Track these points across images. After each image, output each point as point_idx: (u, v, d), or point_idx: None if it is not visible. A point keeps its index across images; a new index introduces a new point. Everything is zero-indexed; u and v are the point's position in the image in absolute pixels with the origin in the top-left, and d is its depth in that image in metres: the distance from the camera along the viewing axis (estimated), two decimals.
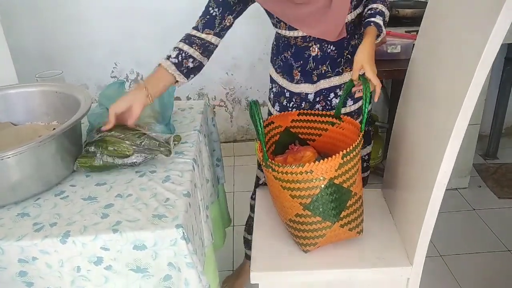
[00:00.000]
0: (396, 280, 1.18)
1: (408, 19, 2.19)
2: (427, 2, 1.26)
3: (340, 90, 1.37)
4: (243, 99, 2.73)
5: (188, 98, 2.69)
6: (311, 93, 1.38)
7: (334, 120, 1.31)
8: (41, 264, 0.91)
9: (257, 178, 1.57)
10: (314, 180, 1.07)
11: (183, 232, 0.90)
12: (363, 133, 1.15)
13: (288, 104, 1.43)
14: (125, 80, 2.63)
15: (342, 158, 1.07)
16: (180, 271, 0.94)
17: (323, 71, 1.33)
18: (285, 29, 1.31)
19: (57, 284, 0.93)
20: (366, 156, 1.52)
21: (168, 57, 1.23)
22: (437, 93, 1.09)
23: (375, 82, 1.15)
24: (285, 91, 1.41)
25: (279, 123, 1.36)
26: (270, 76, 1.48)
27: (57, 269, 0.91)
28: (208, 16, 1.27)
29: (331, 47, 1.30)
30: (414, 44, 1.33)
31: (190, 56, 1.25)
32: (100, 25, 2.50)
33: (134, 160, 1.11)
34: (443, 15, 1.15)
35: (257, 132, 1.13)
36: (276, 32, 1.37)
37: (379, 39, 1.24)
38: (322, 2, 1.21)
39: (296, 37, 1.31)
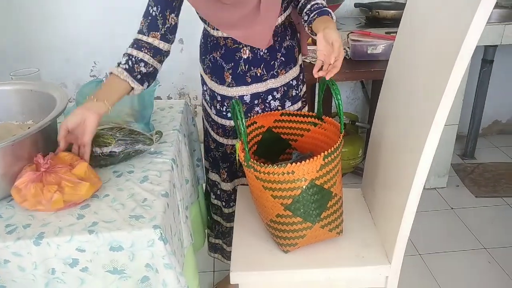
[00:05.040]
0: (375, 278, 1.19)
1: (388, 20, 2.22)
2: None
3: (277, 93, 1.36)
4: None
5: (169, 98, 2.67)
6: (246, 95, 1.34)
7: (316, 121, 1.32)
8: (13, 267, 0.88)
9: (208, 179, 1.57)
10: (295, 181, 1.07)
11: (161, 233, 0.89)
12: (343, 134, 1.16)
13: (221, 108, 1.39)
14: (103, 79, 2.59)
15: (324, 159, 1.07)
16: (158, 272, 0.92)
17: (258, 74, 1.31)
18: (213, 29, 1.27)
19: (30, 287, 0.91)
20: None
21: (118, 64, 1.16)
22: (414, 93, 1.10)
23: (337, 49, 1.06)
24: (216, 94, 1.37)
25: (261, 123, 1.36)
26: (201, 76, 1.43)
27: (30, 271, 0.89)
28: (150, 17, 1.19)
29: (264, 49, 1.28)
30: None
31: (141, 60, 1.17)
32: (78, 23, 2.46)
33: (114, 150, 1.09)
34: (420, 16, 1.16)
35: (239, 132, 1.13)
36: (204, 28, 1.32)
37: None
38: (252, 5, 1.17)
39: (226, 38, 1.27)
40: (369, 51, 1.94)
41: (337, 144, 1.11)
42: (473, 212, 2.18)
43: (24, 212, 0.95)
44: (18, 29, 2.44)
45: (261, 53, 1.28)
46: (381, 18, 2.23)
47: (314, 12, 1.17)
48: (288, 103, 1.39)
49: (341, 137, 1.14)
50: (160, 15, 1.19)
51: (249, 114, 1.37)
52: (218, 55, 1.31)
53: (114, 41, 2.51)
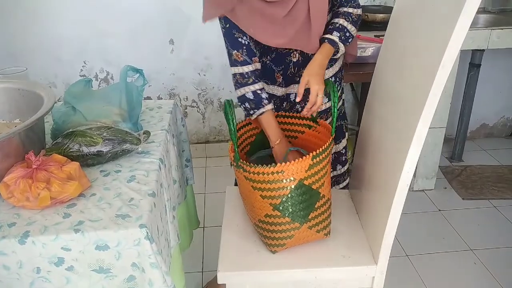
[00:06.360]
0: (361, 279, 1.20)
1: (377, 23, 2.24)
2: None
3: None
4: (215, 99, 2.72)
5: (159, 98, 2.66)
6: (293, 93, 1.41)
7: (311, 123, 1.33)
8: None
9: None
10: (284, 181, 1.08)
11: (147, 232, 0.89)
12: (333, 136, 1.17)
13: None
14: (91, 78, 2.57)
15: (312, 159, 1.08)
16: (144, 272, 0.92)
17: None
18: None
19: (15, 286, 0.90)
20: (343, 150, 1.55)
21: (263, 102, 1.28)
22: (400, 96, 1.12)
23: (313, 99, 1.21)
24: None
25: (256, 125, 1.36)
26: None
27: (15, 270, 0.88)
28: (244, 47, 1.28)
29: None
30: None
31: (263, 89, 1.31)
32: (68, 22, 2.44)
33: (101, 149, 1.09)
34: (407, 20, 1.18)
35: (230, 131, 1.14)
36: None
37: (339, 54, 1.29)
38: (302, 18, 1.23)
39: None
40: (358, 54, 1.95)
41: (326, 144, 1.12)
42: (460, 214, 2.21)
43: (10, 210, 0.95)
44: (6, 27, 2.42)
45: (310, 55, 1.32)
46: (370, 21, 2.25)
47: (322, 36, 1.27)
48: (325, 99, 1.42)
49: (331, 138, 1.15)
50: (251, 41, 1.29)
51: (291, 111, 1.43)
52: (269, 59, 1.36)
53: (103, 41, 2.50)
